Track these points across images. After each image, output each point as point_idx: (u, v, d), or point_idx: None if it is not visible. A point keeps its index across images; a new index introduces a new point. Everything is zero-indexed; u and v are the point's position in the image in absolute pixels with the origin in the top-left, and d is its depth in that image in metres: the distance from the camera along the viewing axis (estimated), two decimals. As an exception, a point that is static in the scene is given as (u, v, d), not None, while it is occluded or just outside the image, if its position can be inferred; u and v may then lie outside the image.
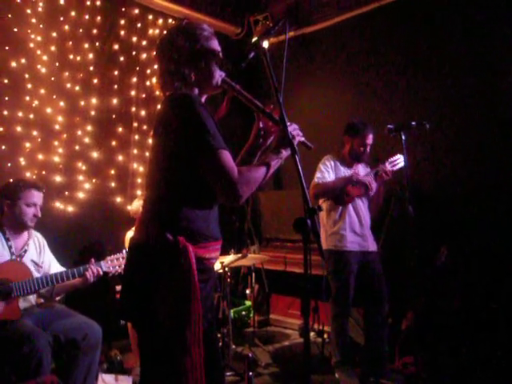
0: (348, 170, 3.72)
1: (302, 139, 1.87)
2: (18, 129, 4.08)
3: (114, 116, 4.80)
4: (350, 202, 3.65)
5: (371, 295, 3.64)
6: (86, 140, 4.56)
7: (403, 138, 3.16)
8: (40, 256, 3.10)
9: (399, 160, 3.60)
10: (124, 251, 3.03)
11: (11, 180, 3.05)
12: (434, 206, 4.20)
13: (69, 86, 4.45)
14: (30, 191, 2.94)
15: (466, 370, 3.41)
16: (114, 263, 3.01)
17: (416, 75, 4.62)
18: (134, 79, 4.99)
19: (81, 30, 4.56)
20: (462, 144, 4.25)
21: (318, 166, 3.72)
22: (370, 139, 3.65)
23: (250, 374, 2.24)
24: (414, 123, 3.21)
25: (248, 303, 5.26)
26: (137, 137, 4.97)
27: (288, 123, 1.78)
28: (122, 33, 4.90)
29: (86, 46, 4.60)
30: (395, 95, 4.78)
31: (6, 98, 4.01)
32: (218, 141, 1.67)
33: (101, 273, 2.96)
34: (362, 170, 3.79)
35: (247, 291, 5.39)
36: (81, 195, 4.47)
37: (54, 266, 3.13)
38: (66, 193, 4.37)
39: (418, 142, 4.43)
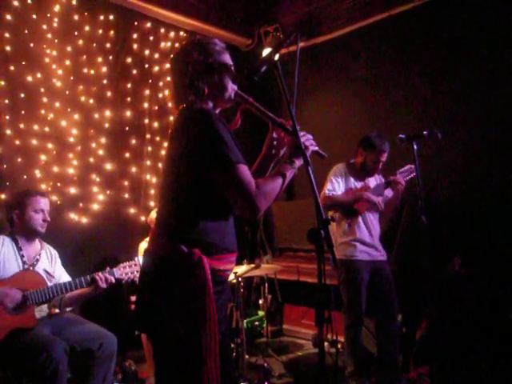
0: (358, 181, 3.70)
1: (316, 149, 1.87)
2: (34, 142, 4.14)
3: (127, 128, 4.87)
4: (359, 216, 3.64)
5: (382, 305, 3.62)
6: (100, 152, 4.62)
7: (415, 147, 3.16)
8: (52, 266, 3.14)
9: (410, 170, 3.60)
10: (136, 258, 3.07)
11: (15, 192, 3.13)
12: (447, 216, 4.18)
13: (83, 99, 4.53)
14: (35, 198, 3.01)
15: (482, 380, 3.37)
16: (127, 270, 3.04)
17: (427, 84, 4.63)
18: (147, 92, 5.05)
19: (94, 45, 4.65)
20: (475, 153, 4.24)
21: (328, 175, 3.71)
22: (384, 157, 3.61)
23: (266, 383, 2.24)
24: (425, 133, 3.20)
25: (261, 313, 5.25)
26: (150, 148, 5.03)
27: (301, 133, 1.80)
28: (135, 46, 4.98)
29: (100, 59, 4.68)
30: (406, 104, 4.78)
31: (23, 112, 4.09)
32: (236, 155, 1.67)
33: (113, 280, 2.98)
34: (372, 182, 3.77)
35: (260, 301, 5.38)
36: (95, 207, 4.52)
37: (65, 279, 3.15)
38: (81, 204, 4.42)
39: (430, 152, 4.42)
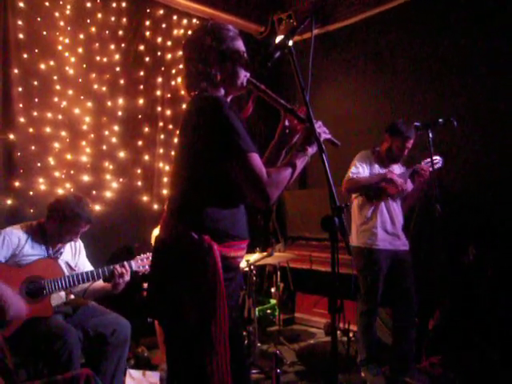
0: (383, 168, 3.66)
1: (328, 136, 1.86)
2: (48, 129, 4.15)
3: (140, 116, 4.86)
4: (383, 200, 3.59)
5: (400, 295, 3.60)
6: (113, 140, 4.63)
7: (430, 135, 3.12)
8: (74, 258, 3.15)
9: (436, 161, 3.53)
10: None
11: (72, 198, 2.98)
12: (461, 205, 4.13)
13: (96, 86, 4.52)
14: (82, 225, 2.95)
15: (494, 370, 3.35)
16: (144, 262, 3.04)
17: (442, 71, 4.55)
18: (160, 79, 5.04)
19: (107, 32, 4.63)
20: (491, 142, 4.17)
21: (352, 160, 3.68)
22: (410, 143, 3.55)
23: (278, 370, 2.25)
24: (441, 120, 3.16)
25: (273, 302, 5.26)
26: (162, 136, 5.02)
27: (313, 121, 1.78)
28: (147, 34, 4.95)
29: (113, 47, 4.67)
30: (421, 92, 4.71)
31: (36, 100, 4.09)
32: (248, 144, 1.67)
33: (128, 277, 2.97)
34: (397, 170, 3.72)
35: (272, 290, 5.39)
36: (108, 194, 4.54)
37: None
38: (94, 192, 4.44)
39: (446, 140, 4.35)
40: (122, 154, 4.67)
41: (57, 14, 4.26)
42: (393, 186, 3.51)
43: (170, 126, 5.08)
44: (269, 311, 5.16)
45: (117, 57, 4.69)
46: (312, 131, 1.75)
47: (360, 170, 3.58)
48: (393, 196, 3.60)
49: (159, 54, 5.05)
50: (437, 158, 3.54)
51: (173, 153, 4.95)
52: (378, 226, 3.56)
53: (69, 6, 4.33)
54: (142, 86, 4.88)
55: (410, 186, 3.64)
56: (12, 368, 2.10)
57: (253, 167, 1.65)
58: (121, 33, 4.73)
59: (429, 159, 3.53)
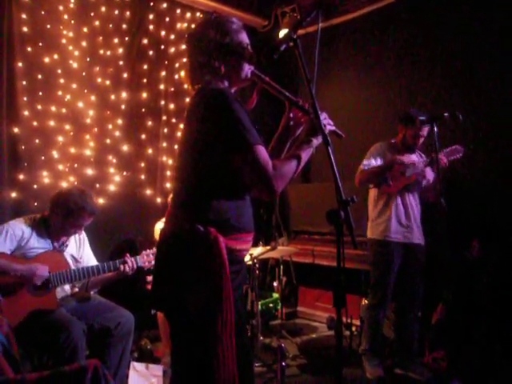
0: None
1: (333, 128, 1.86)
2: (51, 123, 4.16)
3: (143, 109, 4.86)
4: (392, 191, 3.56)
5: (406, 289, 3.59)
6: (117, 133, 4.63)
7: (436, 129, 3.11)
8: (79, 251, 3.17)
9: (456, 150, 3.51)
10: None
11: (75, 191, 2.99)
12: (466, 199, 4.12)
13: (99, 80, 4.52)
14: (85, 216, 2.94)
15: (497, 365, 3.35)
16: (150, 258, 3.05)
17: (447, 64, 4.52)
18: (163, 73, 5.03)
19: (111, 26, 4.62)
20: (496, 136, 4.15)
21: (367, 153, 3.66)
22: (424, 131, 3.51)
23: (283, 364, 2.25)
24: (446, 114, 3.14)
25: (276, 295, 5.28)
26: (166, 130, 5.02)
27: (319, 112, 1.77)
28: (151, 27, 4.94)
29: (116, 40, 4.66)
30: (426, 85, 4.69)
31: (40, 93, 4.09)
32: (254, 136, 1.66)
33: (135, 266, 3.01)
34: (415, 159, 3.66)
35: (275, 283, 5.40)
36: (111, 188, 4.55)
37: (92, 263, 3.16)
38: (97, 185, 4.44)
39: (451, 134, 4.34)
40: (125, 148, 4.68)
41: (61, 8, 4.26)
42: (402, 178, 3.49)
43: (174, 120, 5.07)
44: (271, 305, 5.17)
45: (120, 50, 4.68)
46: (317, 123, 1.75)
47: (372, 161, 3.57)
48: (405, 174, 3.52)
49: (163, 47, 5.04)
50: (457, 146, 3.52)
51: (176, 146, 4.95)
52: (393, 218, 3.53)
53: (72, 0, 4.33)
54: (145, 80, 4.88)
55: (431, 175, 3.56)
56: (17, 359, 2.11)
57: (259, 159, 1.65)
58: (124, 26, 4.73)
59: (448, 148, 3.51)
